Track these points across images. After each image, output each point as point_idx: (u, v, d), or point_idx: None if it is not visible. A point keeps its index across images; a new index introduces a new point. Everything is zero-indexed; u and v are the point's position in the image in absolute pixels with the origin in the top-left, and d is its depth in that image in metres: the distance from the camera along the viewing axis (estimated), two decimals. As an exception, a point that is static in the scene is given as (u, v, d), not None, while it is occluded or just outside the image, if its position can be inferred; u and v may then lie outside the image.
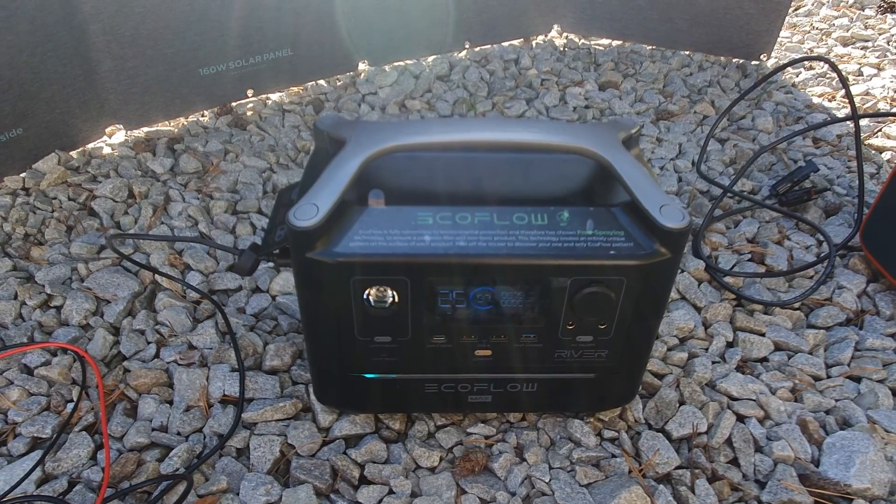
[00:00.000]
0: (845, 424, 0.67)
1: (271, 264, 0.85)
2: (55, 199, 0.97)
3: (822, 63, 1.42)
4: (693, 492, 0.60)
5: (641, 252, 0.52)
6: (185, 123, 1.17)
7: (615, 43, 1.52)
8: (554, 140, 0.54)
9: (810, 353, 0.75)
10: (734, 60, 1.43)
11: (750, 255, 0.89)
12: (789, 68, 1.42)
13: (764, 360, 0.75)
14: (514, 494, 0.60)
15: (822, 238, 0.91)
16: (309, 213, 0.50)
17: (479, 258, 0.51)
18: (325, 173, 0.53)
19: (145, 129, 1.14)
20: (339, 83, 1.32)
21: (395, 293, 0.54)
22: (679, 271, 0.85)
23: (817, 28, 1.68)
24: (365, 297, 0.54)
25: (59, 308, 0.79)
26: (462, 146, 0.55)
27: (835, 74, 1.38)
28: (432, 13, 1.35)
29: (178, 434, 0.65)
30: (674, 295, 0.82)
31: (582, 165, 0.60)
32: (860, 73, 1.42)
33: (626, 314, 0.55)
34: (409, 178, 0.58)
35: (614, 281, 0.53)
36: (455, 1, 1.36)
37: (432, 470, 0.63)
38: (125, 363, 0.71)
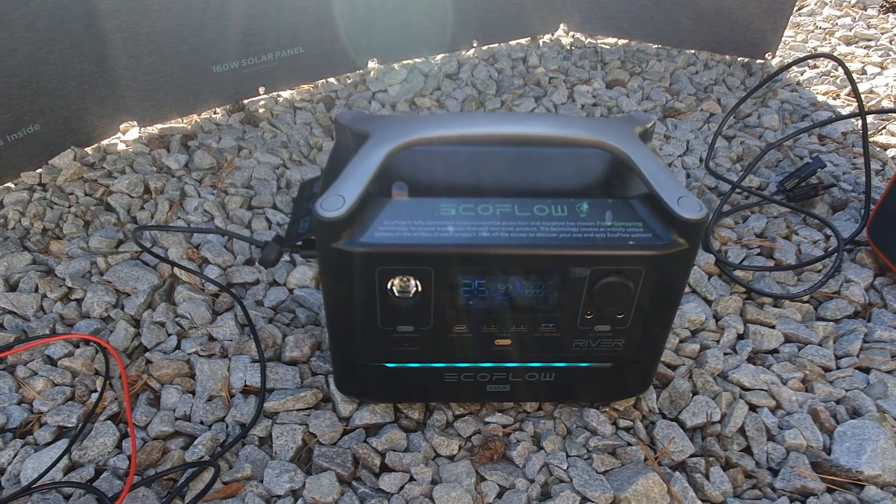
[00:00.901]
0: (855, 414, 0.68)
1: (287, 257, 0.86)
2: (72, 194, 0.98)
3: (826, 61, 1.43)
4: (708, 479, 0.61)
5: (660, 242, 0.53)
6: (198, 120, 1.18)
7: (621, 42, 1.54)
8: (574, 134, 0.55)
9: (820, 345, 0.76)
10: (739, 59, 1.45)
11: (759, 250, 0.90)
12: (794, 67, 1.44)
13: (774, 351, 0.76)
14: (532, 481, 0.61)
15: (829, 233, 0.93)
16: (335, 204, 0.51)
17: (502, 248, 0.52)
18: (349, 165, 0.54)
19: (159, 125, 1.15)
20: (349, 81, 1.33)
21: (418, 283, 0.55)
22: (689, 265, 0.86)
23: (820, 27, 1.69)
24: (389, 286, 0.55)
25: (79, 301, 0.80)
26: (484, 140, 0.56)
27: (839, 73, 1.39)
28: (440, 13, 1.37)
29: (202, 423, 0.66)
30: (685, 288, 0.83)
31: (597, 159, 0.62)
32: (864, 72, 1.44)
33: (644, 304, 0.57)
34: (429, 172, 0.60)
35: (633, 271, 0.54)
36: (462, 0, 1.38)
37: (451, 458, 0.64)
38: (147, 354, 0.73)
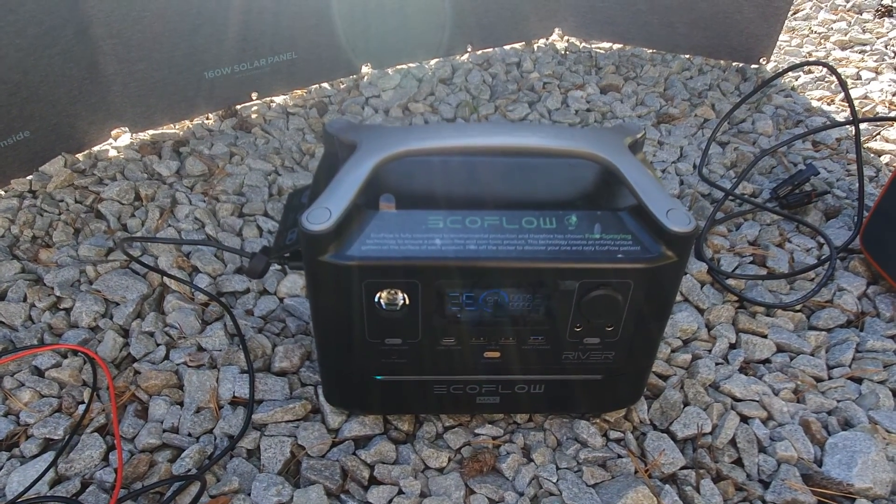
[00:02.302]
0: (847, 425, 0.68)
1: (278, 266, 0.85)
2: (62, 201, 0.97)
3: (821, 67, 1.43)
4: (698, 491, 0.61)
5: (648, 255, 0.52)
6: (190, 126, 1.18)
7: (616, 46, 1.54)
8: (563, 145, 0.55)
9: (812, 355, 0.76)
10: (734, 64, 1.44)
11: (751, 258, 0.90)
12: (788, 72, 1.44)
13: (766, 361, 0.76)
14: (522, 494, 0.61)
15: (822, 241, 0.92)
16: (321, 217, 0.51)
17: (489, 261, 0.52)
18: (336, 177, 0.54)
19: (150, 131, 1.15)
20: (342, 86, 1.33)
21: (405, 296, 0.54)
22: (682, 274, 0.86)
23: (816, 32, 1.69)
24: (376, 299, 0.54)
25: (68, 310, 0.79)
26: (472, 151, 0.56)
27: (833, 78, 1.39)
28: (434, 17, 1.36)
29: (189, 435, 0.66)
30: (677, 297, 0.83)
31: (588, 170, 0.61)
32: (858, 77, 1.44)
33: (633, 316, 0.56)
34: (418, 183, 0.59)
35: (622, 284, 0.54)
36: (457, 5, 1.37)
37: (441, 470, 0.63)
38: (135, 365, 0.72)
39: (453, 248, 0.52)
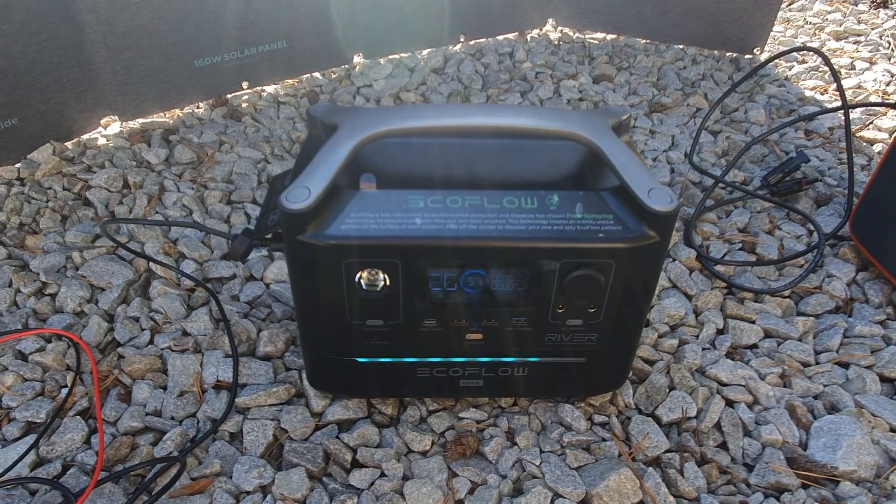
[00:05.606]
0: (833, 409, 0.68)
1: (265, 252, 0.85)
2: (50, 189, 0.97)
3: (814, 56, 1.43)
4: (682, 475, 0.61)
5: (630, 235, 0.52)
6: (181, 115, 1.17)
7: (609, 36, 1.53)
8: (545, 125, 0.55)
9: (799, 340, 0.75)
10: (727, 54, 1.44)
11: (741, 245, 0.89)
12: (782, 62, 1.43)
13: (754, 346, 0.75)
14: (504, 477, 0.60)
15: (812, 228, 0.92)
16: (301, 196, 0.50)
17: (470, 241, 0.52)
18: (316, 157, 0.53)
19: (140, 120, 1.14)
20: (334, 76, 1.32)
21: (386, 276, 0.54)
22: (671, 260, 0.85)
23: (810, 23, 1.68)
24: (356, 279, 0.54)
25: (53, 296, 0.79)
26: (454, 131, 0.55)
27: (827, 68, 1.39)
28: (428, 6, 1.36)
29: (172, 419, 0.66)
30: (665, 283, 0.83)
31: (572, 151, 0.61)
32: (853, 67, 1.43)
33: (616, 297, 0.56)
34: (400, 164, 0.59)
35: (603, 264, 0.53)
36: (450, -6, 1.37)
37: (424, 454, 0.63)
38: (119, 349, 0.72)
39: (434, 228, 0.52)
